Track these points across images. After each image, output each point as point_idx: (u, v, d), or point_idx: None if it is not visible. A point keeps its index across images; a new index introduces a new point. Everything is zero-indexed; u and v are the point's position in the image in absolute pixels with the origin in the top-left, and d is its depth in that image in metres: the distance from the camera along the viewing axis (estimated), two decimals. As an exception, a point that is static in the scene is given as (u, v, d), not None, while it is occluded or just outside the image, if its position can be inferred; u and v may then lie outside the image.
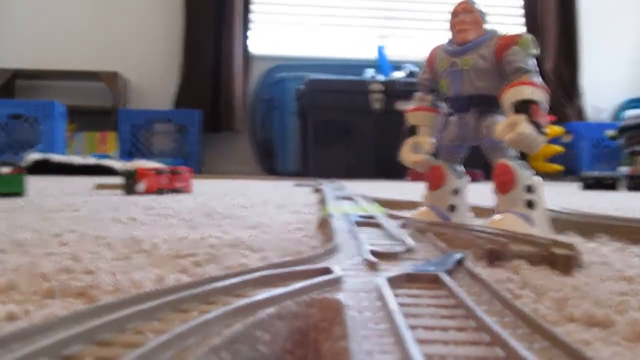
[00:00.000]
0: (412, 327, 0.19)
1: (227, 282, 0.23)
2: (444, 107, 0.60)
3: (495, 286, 0.25)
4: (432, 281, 0.26)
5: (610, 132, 2.80)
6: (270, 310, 0.20)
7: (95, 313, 0.19)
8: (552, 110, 3.20)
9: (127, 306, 0.20)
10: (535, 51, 0.53)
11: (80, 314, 0.19)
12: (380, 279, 0.24)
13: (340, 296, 0.22)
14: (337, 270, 0.26)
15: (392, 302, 0.21)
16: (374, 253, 0.32)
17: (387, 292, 0.22)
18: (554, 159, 3.04)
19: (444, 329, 0.19)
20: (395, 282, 0.25)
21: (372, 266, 0.30)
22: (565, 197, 1.39)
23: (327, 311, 0.21)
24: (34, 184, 1.43)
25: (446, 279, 0.25)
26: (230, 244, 0.45)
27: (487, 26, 0.56)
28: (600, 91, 3.54)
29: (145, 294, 0.21)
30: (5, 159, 0.98)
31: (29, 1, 3.25)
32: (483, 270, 0.35)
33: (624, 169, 2.06)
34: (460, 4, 0.56)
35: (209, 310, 0.20)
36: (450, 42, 0.57)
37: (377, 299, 0.23)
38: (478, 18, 0.55)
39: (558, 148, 2.93)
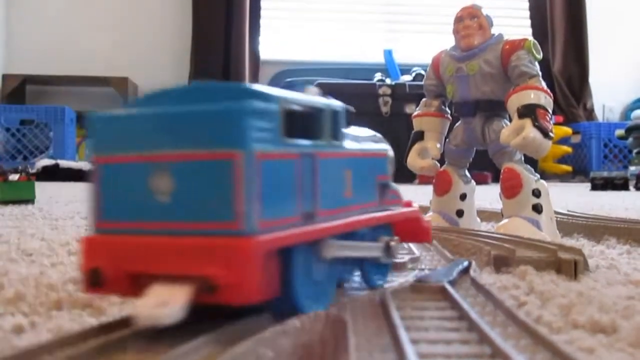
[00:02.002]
0: (415, 341, 0.19)
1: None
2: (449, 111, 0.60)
3: (501, 293, 0.25)
4: (437, 292, 0.26)
5: (620, 132, 2.79)
6: (275, 326, 0.20)
7: (101, 331, 0.19)
8: (561, 110, 3.20)
9: (131, 324, 0.20)
10: (540, 56, 0.53)
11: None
12: (385, 292, 0.24)
13: (345, 310, 0.22)
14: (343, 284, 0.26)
15: (396, 316, 0.21)
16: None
17: (391, 305, 0.22)
18: (563, 159, 3.03)
19: (447, 342, 0.19)
20: (399, 294, 0.25)
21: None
22: (574, 197, 1.38)
23: (332, 326, 0.21)
24: (44, 189, 1.43)
25: (451, 290, 0.25)
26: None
27: (493, 30, 0.56)
28: (610, 91, 3.52)
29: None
30: (16, 165, 0.98)
31: (39, 7, 3.26)
32: (489, 277, 0.35)
33: (633, 169, 2.06)
34: (464, 9, 0.56)
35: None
36: (455, 47, 0.57)
37: (381, 312, 0.23)
38: (483, 23, 0.55)
39: (567, 149, 2.92)
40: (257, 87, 0.24)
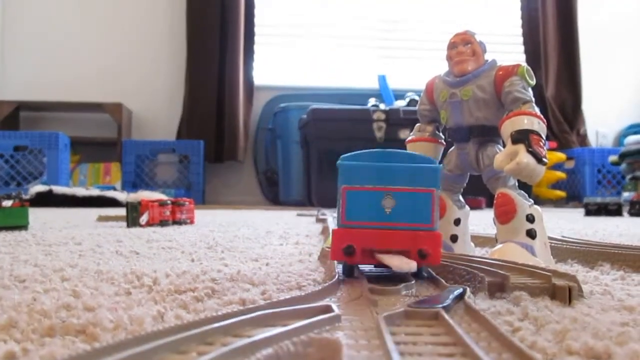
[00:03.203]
0: (409, 367, 0.19)
1: (226, 321, 0.24)
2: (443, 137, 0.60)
3: (495, 319, 0.25)
4: (432, 318, 0.26)
5: (613, 158, 2.80)
6: (269, 350, 0.20)
7: (94, 356, 0.19)
8: (555, 136, 3.21)
9: (125, 348, 0.20)
10: (533, 82, 0.53)
11: (78, 357, 0.19)
12: (379, 317, 0.24)
13: (339, 335, 0.22)
14: (337, 309, 0.26)
15: (389, 342, 0.21)
16: (373, 290, 0.32)
17: (385, 330, 0.22)
18: (557, 185, 3.04)
19: (441, 367, 0.19)
20: (394, 319, 0.25)
21: (371, 303, 0.30)
22: (568, 223, 1.39)
23: (326, 350, 0.21)
24: (38, 215, 1.43)
25: (445, 315, 0.25)
26: (231, 277, 0.45)
27: (487, 56, 0.56)
28: (603, 117, 3.54)
29: (144, 336, 0.21)
30: (10, 191, 0.97)
31: (33, 33, 3.28)
32: (484, 303, 0.35)
33: (627, 195, 2.06)
34: (458, 35, 0.56)
35: (207, 352, 0.20)
36: (448, 73, 0.57)
37: (375, 337, 0.23)
38: (477, 49, 0.55)
39: (561, 174, 2.93)
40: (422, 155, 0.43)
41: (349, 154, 0.41)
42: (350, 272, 0.39)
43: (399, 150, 0.40)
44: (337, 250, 0.38)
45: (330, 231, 0.46)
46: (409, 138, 0.61)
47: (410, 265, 0.36)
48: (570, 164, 3.09)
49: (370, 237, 0.38)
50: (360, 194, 0.38)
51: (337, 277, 0.37)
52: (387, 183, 0.38)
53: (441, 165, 0.46)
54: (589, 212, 1.86)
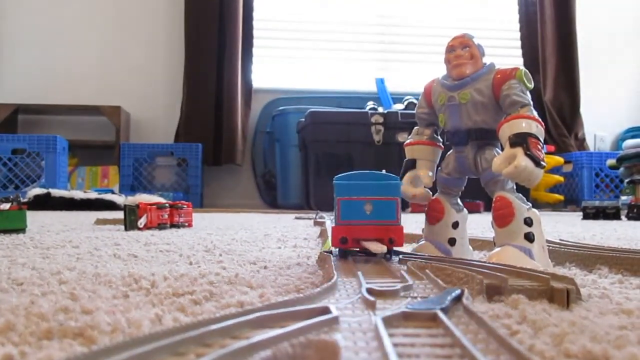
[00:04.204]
0: (407, 369, 0.19)
1: (224, 323, 0.23)
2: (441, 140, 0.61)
3: (493, 322, 0.25)
4: (430, 319, 0.26)
5: (611, 162, 2.80)
6: (267, 352, 0.20)
7: (91, 358, 0.19)
8: (553, 140, 3.22)
9: (123, 350, 0.20)
10: (531, 85, 0.53)
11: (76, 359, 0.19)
12: (377, 319, 0.24)
13: (337, 337, 0.22)
14: (335, 310, 0.26)
15: (388, 343, 0.21)
16: (371, 291, 0.32)
17: (383, 332, 0.22)
18: (555, 188, 3.04)
19: (439, 369, 0.19)
20: (392, 321, 0.25)
21: (369, 305, 0.30)
22: (566, 226, 1.39)
23: (324, 352, 0.21)
24: (36, 219, 1.43)
25: (443, 317, 0.25)
26: (229, 280, 0.45)
27: (485, 59, 0.56)
28: (601, 121, 3.55)
29: (141, 338, 0.21)
30: (7, 194, 0.97)
31: (31, 36, 3.28)
32: (482, 306, 0.35)
33: (625, 198, 2.06)
34: (456, 38, 0.56)
35: (205, 353, 0.20)
36: (447, 76, 0.57)
37: (373, 338, 0.23)
38: (475, 52, 0.55)
39: (559, 178, 2.94)
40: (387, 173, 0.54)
41: (342, 174, 0.54)
42: (344, 255, 0.53)
43: (374, 172, 0.54)
44: (336, 240, 0.53)
45: (330, 229, 0.59)
46: (407, 141, 0.61)
47: (383, 248, 0.51)
48: (568, 168, 3.10)
49: (357, 231, 0.52)
50: (350, 202, 0.53)
51: (335, 278, 0.37)
52: (367, 194, 0.53)
53: (401, 182, 0.58)
54: (586, 216, 1.86)
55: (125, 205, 1.11)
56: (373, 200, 0.53)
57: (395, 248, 0.53)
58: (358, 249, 0.54)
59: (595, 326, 0.30)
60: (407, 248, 0.60)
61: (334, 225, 0.54)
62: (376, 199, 0.53)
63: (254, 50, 3.38)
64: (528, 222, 0.51)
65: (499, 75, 0.54)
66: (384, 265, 0.48)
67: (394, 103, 3.08)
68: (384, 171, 0.56)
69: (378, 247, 0.51)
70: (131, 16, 3.35)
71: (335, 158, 2.68)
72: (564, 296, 0.36)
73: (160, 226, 1.12)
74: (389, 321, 0.25)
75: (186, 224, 1.21)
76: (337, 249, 0.55)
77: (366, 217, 0.53)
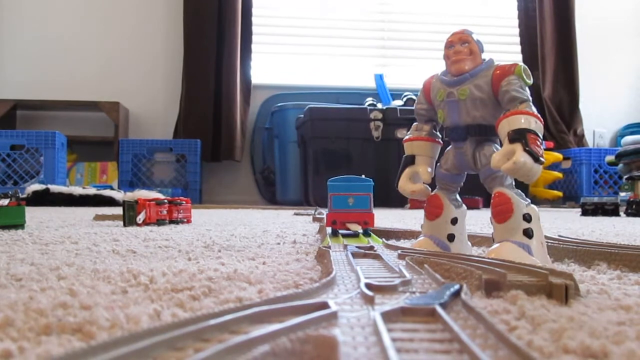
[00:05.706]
0: (406, 364, 0.19)
1: (222, 318, 0.23)
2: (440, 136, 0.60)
3: (492, 317, 0.24)
4: (428, 315, 0.26)
5: (610, 158, 2.80)
6: (265, 347, 0.20)
7: (90, 353, 0.19)
8: (552, 136, 3.22)
9: (122, 345, 0.20)
10: (530, 81, 0.53)
11: (75, 354, 0.19)
12: (376, 314, 0.24)
13: (336, 332, 0.22)
14: (334, 305, 0.26)
15: (386, 338, 0.21)
16: (370, 286, 0.32)
17: (382, 327, 0.22)
18: (554, 185, 3.04)
19: (438, 364, 0.19)
20: (390, 316, 0.25)
21: (368, 300, 0.30)
22: (565, 222, 1.39)
23: (322, 347, 0.21)
24: (34, 215, 1.43)
25: (442, 312, 0.25)
26: (228, 276, 0.45)
27: (484, 55, 0.56)
28: (600, 117, 3.55)
29: (140, 333, 0.21)
30: (6, 190, 0.97)
31: (30, 32, 3.27)
32: (480, 301, 0.35)
33: (623, 195, 2.06)
34: (455, 34, 0.56)
35: (203, 348, 0.20)
36: (446, 72, 0.57)
37: (372, 333, 0.23)
38: (474, 48, 0.55)
39: (558, 174, 2.94)
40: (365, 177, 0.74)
41: (333, 178, 0.74)
42: (335, 233, 0.72)
43: (356, 176, 0.74)
44: (329, 222, 0.73)
45: (325, 216, 0.77)
46: (406, 137, 0.61)
47: (359, 228, 0.71)
48: (567, 164, 3.10)
49: (343, 216, 0.73)
50: (339, 197, 0.73)
51: (333, 273, 0.37)
52: (350, 191, 0.73)
53: (372, 183, 0.74)
54: (585, 212, 1.86)
55: (124, 201, 1.11)
56: (354, 195, 0.73)
57: (367, 228, 0.73)
58: (344, 229, 0.73)
59: (594, 322, 0.30)
60: (406, 244, 0.60)
61: (327, 212, 0.74)
62: (356, 194, 0.73)
63: (253, 47, 3.38)
64: (527, 218, 0.51)
65: (498, 71, 0.54)
66: (383, 260, 0.48)
67: (393, 99, 3.08)
68: (363, 176, 0.75)
69: (357, 227, 0.72)
70: (130, 11, 3.35)
71: (334, 154, 2.68)
72: (562, 292, 0.36)
73: (159, 222, 1.12)
74: (387, 316, 0.25)
75: (185, 220, 1.21)
76: (330, 228, 0.75)
77: (349, 207, 0.73)
